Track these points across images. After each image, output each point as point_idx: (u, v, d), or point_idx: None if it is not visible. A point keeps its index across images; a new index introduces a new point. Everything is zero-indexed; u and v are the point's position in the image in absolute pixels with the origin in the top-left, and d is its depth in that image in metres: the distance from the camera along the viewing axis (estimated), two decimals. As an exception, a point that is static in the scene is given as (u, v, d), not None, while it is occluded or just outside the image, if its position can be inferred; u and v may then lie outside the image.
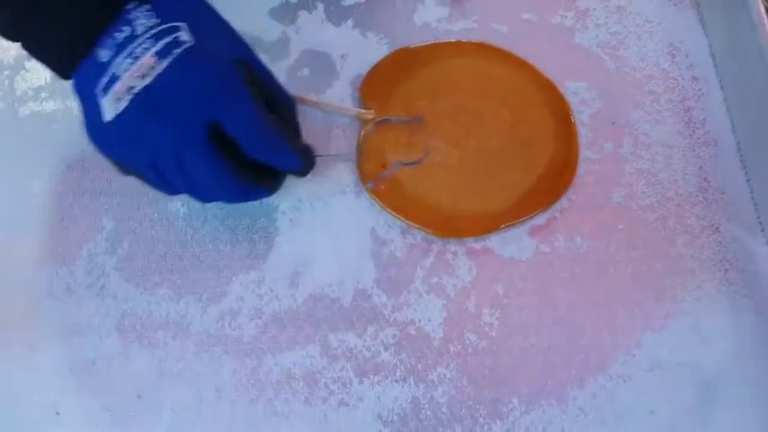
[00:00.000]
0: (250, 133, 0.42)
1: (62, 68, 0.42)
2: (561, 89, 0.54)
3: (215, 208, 0.51)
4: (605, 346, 0.47)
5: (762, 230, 0.50)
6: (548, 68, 0.54)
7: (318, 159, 0.47)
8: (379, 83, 0.54)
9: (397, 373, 0.46)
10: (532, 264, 0.49)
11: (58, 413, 0.46)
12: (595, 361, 0.46)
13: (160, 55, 0.40)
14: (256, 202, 0.50)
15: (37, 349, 0.47)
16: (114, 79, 0.40)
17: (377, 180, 0.50)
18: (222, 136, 0.41)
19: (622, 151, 0.52)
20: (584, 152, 0.52)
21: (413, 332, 0.47)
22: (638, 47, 0.56)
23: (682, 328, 0.47)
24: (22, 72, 0.56)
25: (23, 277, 0.49)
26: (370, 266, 0.49)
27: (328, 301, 0.48)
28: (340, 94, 0.54)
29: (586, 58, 0.56)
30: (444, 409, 0.45)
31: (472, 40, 0.56)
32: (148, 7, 0.41)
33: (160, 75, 0.40)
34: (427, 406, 0.45)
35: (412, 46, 0.56)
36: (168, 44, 0.40)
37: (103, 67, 0.40)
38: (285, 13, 0.57)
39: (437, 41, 0.56)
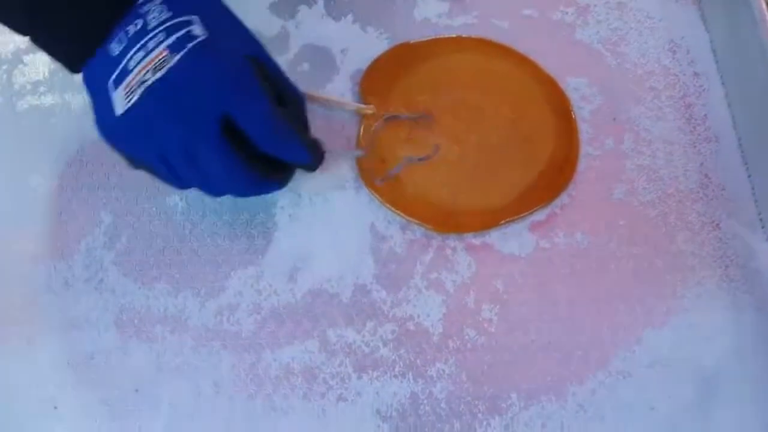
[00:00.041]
0: (263, 128, 0.42)
1: (72, 62, 0.42)
2: (562, 85, 0.54)
3: (213, 203, 0.50)
4: (605, 342, 0.47)
5: (763, 227, 0.50)
6: (549, 64, 0.54)
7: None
8: (379, 78, 0.54)
9: (396, 369, 0.46)
10: (532, 260, 0.49)
11: (56, 407, 0.46)
12: (595, 357, 0.46)
13: (173, 48, 0.40)
14: (255, 197, 0.50)
15: (36, 343, 0.47)
16: (125, 72, 0.40)
17: (385, 177, 0.50)
18: (233, 129, 0.41)
19: (623, 147, 0.52)
20: (585, 148, 0.52)
21: (412, 328, 0.47)
22: (639, 43, 0.56)
23: (682, 325, 0.47)
24: (20, 66, 0.55)
25: (21, 271, 0.49)
26: (369, 262, 0.49)
27: (327, 297, 0.48)
28: (340, 89, 0.54)
29: (587, 54, 0.56)
30: (443, 405, 0.45)
31: (473, 36, 0.56)
32: (160, 0, 0.40)
33: (172, 68, 0.40)
34: (425, 401, 0.45)
35: (412, 42, 0.56)
36: (180, 38, 0.40)
37: (115, 60, 0.40)
38: (285, 8, 0.57)
39: (437, 36, 0.56)
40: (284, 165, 0.45)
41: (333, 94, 0.54)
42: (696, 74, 0.55)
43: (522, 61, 0.55)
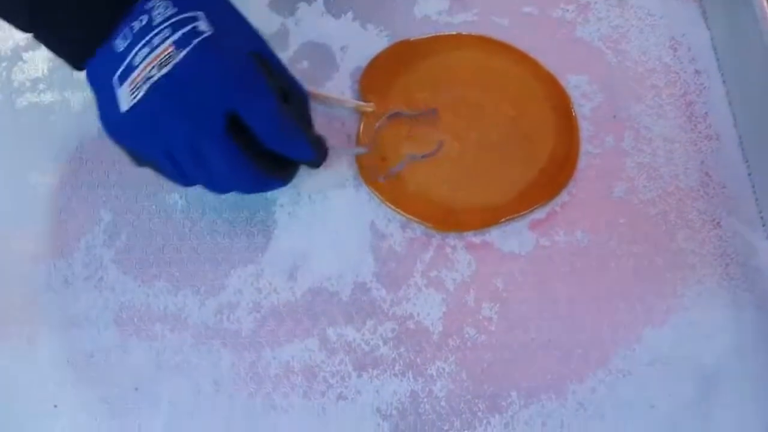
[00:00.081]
0: (269, 124, 0.42)
1: (76, 59, 0.42)
2: (562, 83, 0.54)
3: (213, 201, 0.50)
4: (605, 340, 0.47)
5: (763, 225, 0.50)
6: (549, 61, 0.54)
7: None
8: (379, 76, 0.54)
9: (396, 367, 0.46)
10: (532, 258, 0.49)
11: (56, 406, 0.46)
12: (595, 355, 0.46)
13: (179, 44, 0.40)
14: (254, 195, 0.50)
15: (35, 341, 0.47)
16: (130, 68, 0.40)
17: (388, 174, 0.50)
18: (238, 126, 0.41)
19: (624, 145, 0.52)
20: (585, 146, 0.52)
21: (412, 326, 0.47)
22: (640, 41, 0.56)
23: (682, 323, 0.47)
24: (20, 63, 0.55)
25: (21, 270, 0.49)
26: (369, 260, 0.49)
27: (326, 295, 0.48)
28: (340, 86, 0.54)
29: (588, 52, 0.55)
30: (443, 403, 0.45)
31: (473, 33, 0.56)
32: None
33: (178, 64, 0.39)
34: (425, 400, 0.45)
35: (412, 39, 0.55)
36: (186, 34, 0.40)
37: (120, 56, 0.40)
38: (284, 5, 0.57)
39: (437, 34, 0.56)
40: (288, 162, 0.45)
41: (333, 92, 0.53)
42: (697, 72, 0.55)
43: (522, 58, 0.55)
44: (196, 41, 0.40)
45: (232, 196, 0.50)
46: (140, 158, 0.43)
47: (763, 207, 0.50)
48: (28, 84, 0.55)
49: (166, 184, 0.50)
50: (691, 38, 0.56)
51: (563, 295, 0.48)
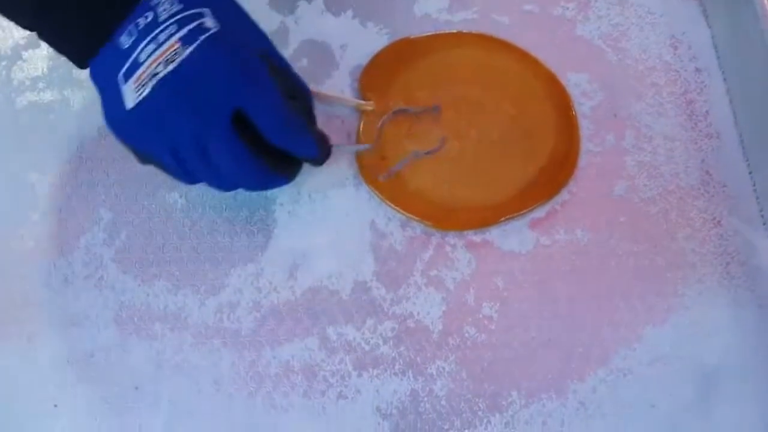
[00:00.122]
0: (275, 121, 0.42)
1: (81, 56, 0.42)
2: (562, 81, 0.54)
3: (213, 199, 0.50)
4: (606, 339, 0.47)
5: (764, 223, 0.50)
6: (549, 60, 0.54)
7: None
8: (379, 74, 0.54)
9: (396, 366, 0.46)
10: (533, 257, 0.49)
11: (56, 405, 0.45)
12: (596, 354, 0.46)
13: (185, 40, 0.40)
14: (254, 194, 0.50)
15: (35, 341, 0.47)
16: (136, 65, 0.40)
17: (390, 172, 0.50)
18: (244, 123, 0.41)
19: (624, 143, 0.52)
20: (586, 144, 0.52)
21: (412, 325, 0.47)
22: (640, 39, 0.56)
23: (683, 322, 0.47)
24: (19, 62, 0.55)
25: (21, 269, 0.49)
26: (369, 259, 0.49)
27: (326, 294, 0.48)
28: (340, 84, 0.54)
29: (588, 50, 0.55)
30: (443, 402, 0.45)
31: (473, 31, 0.56)
32: None
33: (185, 61, 0.39)
34: (426, 399, 0.45)
35: (412, 37, 0.55)
36: (192, 30, 0.40)
37: (125, 53, 0.40)
38: (284, 3, 0.57)
39: (437, 32, 0.56)
40: (292, 159, 0.45)
41: (332, 90, 0.53)
42: (697, 70, 0.55)
43: (522, 56, 0.54)
44: (203, 37, 0.40)
45: (232, 195, 0.50)
46: (145, 156, 0.43)
47: (764, 205, 0.50)
48: (27, 83, 0.54)
49: (166, 183, 0.50)
50: (691, 36, 0.56)
51: (563, 294, 0.48)
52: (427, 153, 0.51)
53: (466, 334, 0.47)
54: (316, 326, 0.47)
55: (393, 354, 0.46)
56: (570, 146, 0.51)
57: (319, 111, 0.51)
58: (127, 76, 0.40)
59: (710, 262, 0.49)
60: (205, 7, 0.41)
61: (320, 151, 0.45)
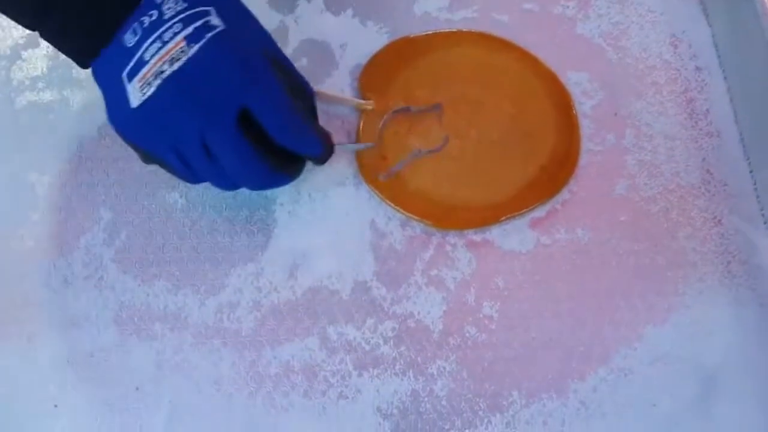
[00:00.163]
0: (280, 120, 0.42)
1: (83, 56, 0.42)
2: (563, 80, 0.53)
3: (213, 199, 0.50)
4: (606, 339, 0.47)
5: (765, 222, 0.50)
6: (550, 58, 0.54)
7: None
8: (379, 73, 0.54)
9: (397, 366, 0.46)
10: (533, 256, 0.49)
11: (56, 406, 0.45)
12: (597, 354, 0.46)
13: (190, 39, 0.39)
14: (254, 194, 0.50)
15: (35, 341, 0.47)
16: (141, 63, 0.40)
17: (391, 172, 0.50)
18: (248, 121, 0.41)
19: (625, 142, 0.52)
20: (586, 143, 0.52)
21: (413, 325, 0.47)
22: (641, 37, 0.56)
23: (684, 321, 0.47)
24: (19, 62, 0.55)
25: (21, 269, 0.49)
26: (369, 258, 0.49)
27: (327, 294, 0.48)
28: (340, 84, 0.54)
29: (588, 49, 0.55)
30: (444, 402, 0.45)
31: (473, 30, 0.55)
32: None
33: (191, 59, 0.39)
34: (426, 399, 0.45)
35: (412, 36, 0.55)
36: (198, 28, 0.40)
37: (129, 51, 0.40)
38: (284, 2, 0.57)
39: (437, 31, 0.55)
40: (295, 158, 0.45)
41: (332, 90, 0.53)
42: (698, 69, 0.55)
43: (523, 55, 0.54)
44: (209, 35, 0.40)
45: (231, 195, 0.50)
46: (149, 155, 0.43)
47: (765, 204, 0.50)
48: (27, 82, 0.54)
49: (166, 183, 0.50)
50: (691, 35, 0.56)
51: (564, 293, 0.48)
52: (430, 152, 0.51)
53: (467, 334, 0.47)
54: (317, 326, 0.47)
55: (393, 354, 0.46)
56: (570, 145, 0.51)
57: (319, 110, 0.51)
58: (132, 74, 0.40)
59: (711, 261, 0.49)
60: (210, 5, 0.41)
61: (323, 150, 0.45)
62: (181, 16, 0.40)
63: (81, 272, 0.49)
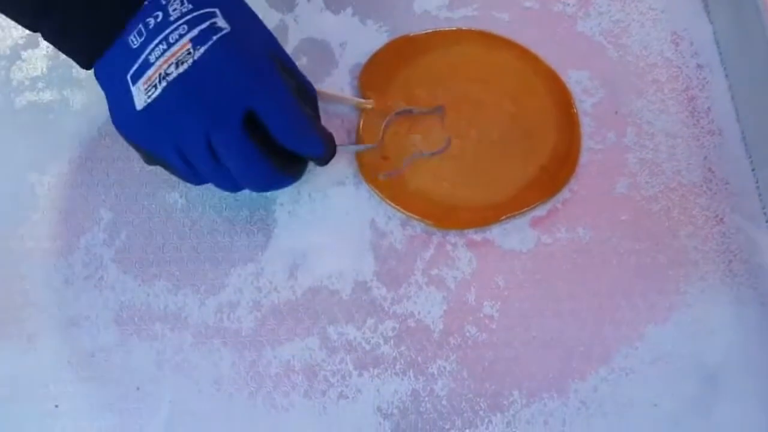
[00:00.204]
0: (286, 121, 0.42)
1: (85, 56, 0.42)
2: (563, 78, 0.53)
3: (213, 199, 0.50)
4: (607, 338, 0.46)
5: (767, 221, 0.49)
6: (550, 57, 0.54)
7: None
8: (379, 72, 0.53)
9: (397, 366, 0.46)
10: (534, 255, 0.49)
11: (56, 406, 0.45)
12: (597, 353, 0.46)
13: (196, 41, 0.39)
14: (255, 194, 0.50)
15: (35, 341, 0.47)
16: (146, 65, 0.40)
17: (392, 172, 0.50)
18: (253, 123, 0.41)
19: (626, 140, 0.52)
20: (587, 142, 0.52)
21: (413, 325, 0.47)
22: (641, 35, 0.55)
23: (685, 320, 0.47)
24: (18, 62, 0.55)
25: (21, 269, 0.49)
26: (369, 258, 0.49)
27: (327, 294, 0.48)
28: (339, 83, 0.54)
29: (589, 47, 0.55)
30: (444, 402, 0.45)
31: (473, 28, 0.55)
32: None
33: (197, 61, 0.39)
34: (427, 398, 0.45)
35: (411, 34, 0.55)
36: (204, 30, 0.40)
37: (134, 53, 0.40)
38: (283, 1, 0.56)
39: (437, 29, 0.55)
40: (297, 159, 0.45)
41: (332, 89, 0.53)
42: (699, 66, 0.54)
43: (523, 53, 0.54)
44: (215, 37, 0.40)
45: (232, 195, 0.50)
46: (152, 156, 0.43)
47: (767, 203, 0.50)
48: (27, 83, 0.54)
49: (166, 183, 0.50)
50: (693, 32, 0.56)
51: (565, 292, 0.48)
52: (433, 154, 0.51)
53: (467, 334, 0.47)
54: (317, 326, 0.47)
55: (394, 353, 0.46)
56: (571, 144, 0.51)
57: (320, 109, 0.51)
58: (137, 76, 0.40)
59: (712, 259, 0.48)
60: (215, 7, 0.41)
61: (326, 151, 0.45)
62: (187, 17, 0.40)
63: (81, 272, 0.49)
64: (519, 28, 0.55)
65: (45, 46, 0.55)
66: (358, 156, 0.51)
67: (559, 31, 0.56)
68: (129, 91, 0.40)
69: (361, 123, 0.52)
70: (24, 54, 0.55)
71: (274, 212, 0.50)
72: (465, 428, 0.44)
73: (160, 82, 0.39)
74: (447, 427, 0.45)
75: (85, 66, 0.42)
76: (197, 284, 0.48)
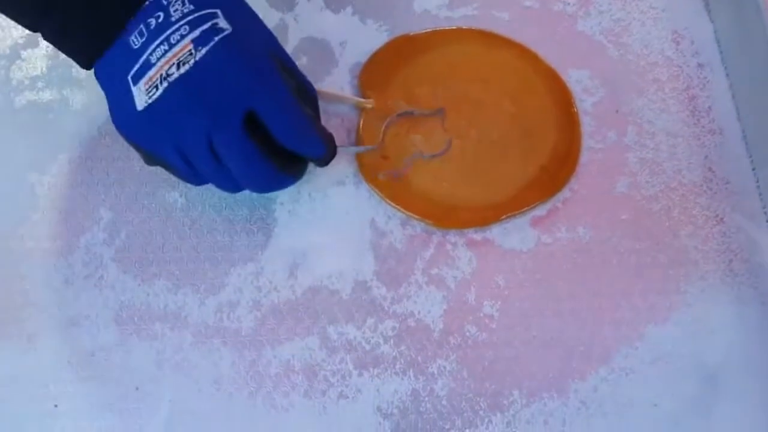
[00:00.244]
0: (287, 122, 0.42)
1: (87, 56, 0.42)
2: (563, 77, 0.53)
3: (213, 199, 0.50)
4: (607, 338, 0.46)
5: (767, 220, 0.49)
6: (550, 56, 0.54)
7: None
8: (379, 71, 0.53)
9: (397, 366, 0.46)
10: (534, 255, 0.49)
11: (56, 405, 0.45)
12: (597, 353, 0.46)
13: (198, 42, 0.39)
14: (254, 194, 0.50)
15: (35, 341, 0.47)
16: (147, 66, 0.40)
17: (391, 173, 0.50)
18: (254, 124, 0.41)
19: (626, 140, 0.52)
20: (587, 141, 0.52)
21: (413, 324, 0.47)
22: (642, 34, 0.55)
23: (685, 320, 0.47)
24: (18, 61, 0.55)
25: (21, 269, 0.49)
26: (369, 258, 0.48)
27: (327, 293, 0.48)
28: (339, 82, 0.54)
29: (589, 46, 0.55)
30: (444, 402, 0.45)
31: (473, 27, 0.55)
32: None
33: (199, 62, 0.39)
34: (427, 398, 0.45)
35: (411, 34, 0.55)
36: (206, 31, 0.40)
37: (135, 53, 0.40)
38: (283, 0, 0.56)
39: (437, 28, 0.55)
40: (298, 159, 0.45)
41: (332, 88, 0.53)
42: (700, 65, 0.54)
43: (523, 53, 0.54)
44: (217, 38, 0.40)
45: (231, 195, 0.50)
46: (152, 156, 0.43)
47: (767, 202, 0.49)
48: (26, 82, 0.54)
49: (166, 183, 0.50)
50: (693, 31, 0.55)
51: (565, 292, 0.48)
52: (434, 156, 0.50)
53: (467, 333, 0.47)
54: (317, 325, 0.47)
55: (394, 353, 0.46)
56: (571, 143, 0.51)
57: (320, 109, 0.51)
58: (138, 77, 0.40)
59: (713, 259, 0.48)
60: (216, 7, 0.41)
61: (327, 152, 0.45)
62: (189, 18, 0.40)
63: (81, 272, 0.49)
64: (519, 28, 0.55)
65: (45, 46, 0.55)
66: (358, 156, 0.51)
67: (560, 30, 0.55)
68: (129, 92, 0.40)
69: (361, 122, 0.52)
70: (24, 53, 0.55)
71: (274, 211, 0.50)
72: (465, 428, 0.44)
73: (161, 82, 0.39)
74: (447, 426, 0.45)
75: (85, 66, 0.42)
76: (197, 284, 0.48)
